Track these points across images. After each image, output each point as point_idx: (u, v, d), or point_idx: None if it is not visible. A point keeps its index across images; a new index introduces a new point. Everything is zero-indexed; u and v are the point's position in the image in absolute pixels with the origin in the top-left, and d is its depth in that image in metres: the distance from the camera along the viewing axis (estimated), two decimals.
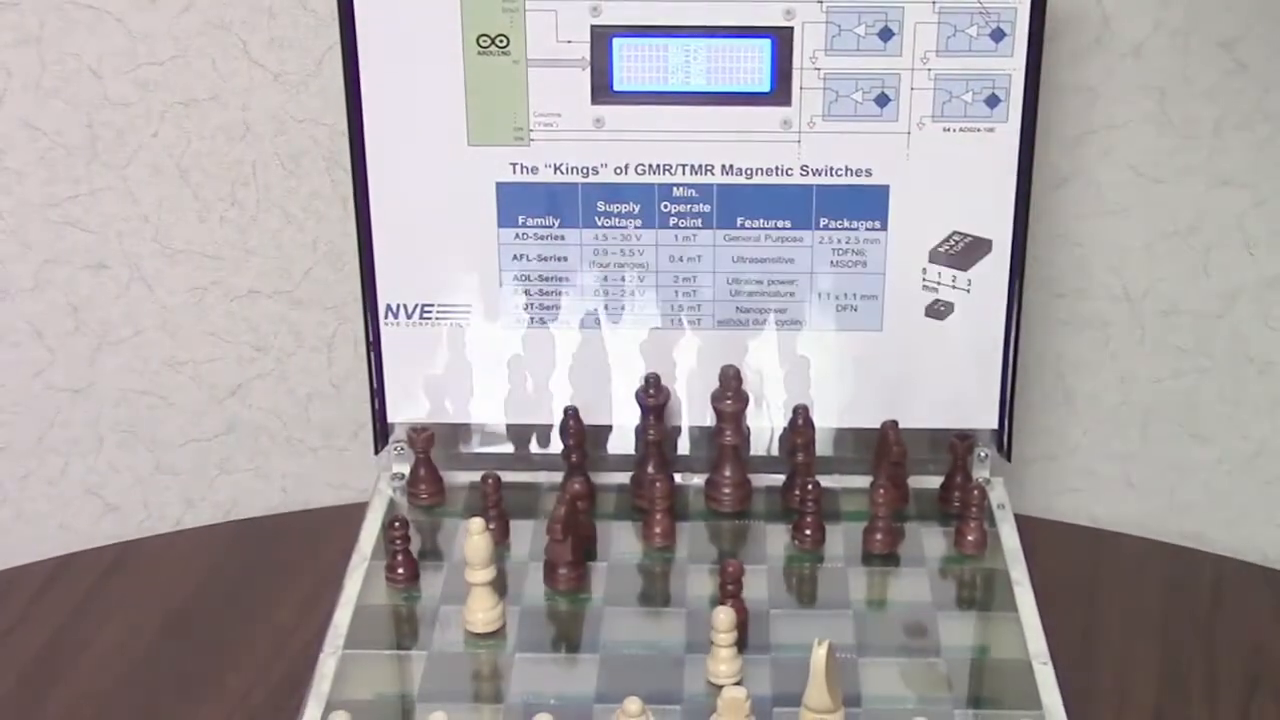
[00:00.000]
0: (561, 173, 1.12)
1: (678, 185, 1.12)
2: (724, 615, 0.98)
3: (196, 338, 1.31)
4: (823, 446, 1.18)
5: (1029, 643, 1.03)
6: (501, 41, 1.09)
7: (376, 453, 1.20)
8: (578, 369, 1.18)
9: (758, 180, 1.12)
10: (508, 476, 1.16)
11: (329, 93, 1.23)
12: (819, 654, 0.93)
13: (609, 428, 1.19)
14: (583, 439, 1.17)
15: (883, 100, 1.09)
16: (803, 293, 1.15)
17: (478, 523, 1.02)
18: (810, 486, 1.12)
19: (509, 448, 1.21)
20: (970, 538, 1.12)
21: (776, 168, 1.12)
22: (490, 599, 1.04)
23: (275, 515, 1.35)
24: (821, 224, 1.13)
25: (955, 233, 1.12)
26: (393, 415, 1.19)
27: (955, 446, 1.17)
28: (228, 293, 1.30)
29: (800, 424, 1.17)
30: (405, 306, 1.16)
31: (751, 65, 1.09)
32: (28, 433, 1.34)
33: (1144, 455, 1.33)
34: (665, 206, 1.13)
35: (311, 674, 1.01)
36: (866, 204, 1.12)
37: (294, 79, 1.24)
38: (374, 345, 1.17)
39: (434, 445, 1.18)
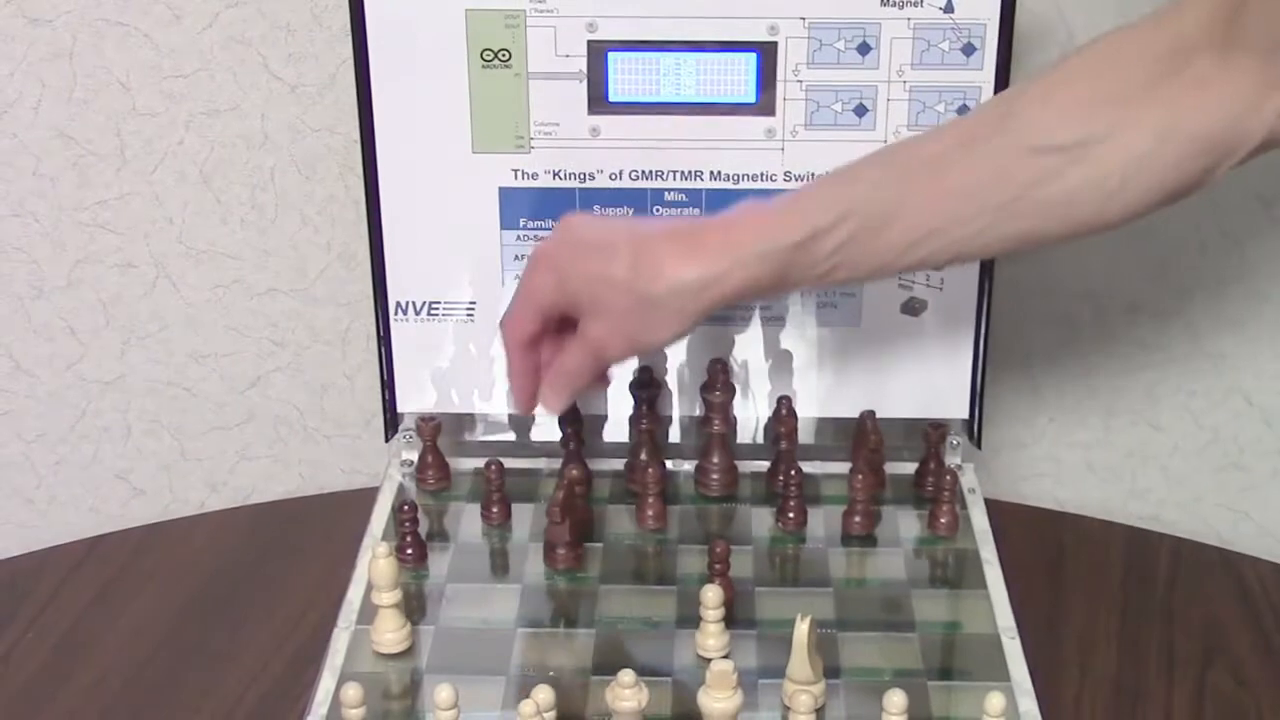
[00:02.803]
0: (560, 178, 1.12)
1: (669, 190, 1.12)
2: (712, 593, 0.98)
3: (218, 333, 1.31)
4: (805, 435, 1.18)
5: (998, 618, 1.03)
6: (504, 55, 1.08)
7: (387, 440, 1.20)
8: None
9: (744, 186, 1.12)
10: (510, 463, 1.16)
11: (342, 103, 1.23)
12: (801, 629, 0.92)
13: (604, 417, 1.19)
14: (580, 427, 1.17)
15: (861, 111, 1.09)
16: None
17: (384, 546, 1.00)
18: (793, 472, 1.12)
19: (511, 436, 1.21)
20: (943, 520, 1.12)
21: (761, 174, 1.11)
22: (397, 620, 1.00)
23: (292, 499, 1.35)
24: None
25: None
26: (402, 405, 1.18)
27: (929, 435, 1.17)
28: (248, 290, 1.30)
29: (784, 414, 1.17)
30: (414, 304, 1.16)
31: (738, 78, 1.09)
32: (61, 421, 1.34)
33: (1105, 443, 1.33)
34: (657, 210, 1.13)
35: (326, 648, 1.01)
36: None
37: (310, 91, 1.24)
38: (384, 340, 1.16)
39: (441, 433, 1.18)
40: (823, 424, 1.19)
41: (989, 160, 0.88)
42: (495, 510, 1.12)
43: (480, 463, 1.16)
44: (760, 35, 1.07)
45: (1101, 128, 0.86)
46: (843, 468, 1.15)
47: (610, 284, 0.94)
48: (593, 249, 0.96)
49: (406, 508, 1.08)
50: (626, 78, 1.09)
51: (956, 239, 0.90)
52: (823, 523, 1.13)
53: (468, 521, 1.14)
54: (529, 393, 1.03)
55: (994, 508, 1.15)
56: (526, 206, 1.13)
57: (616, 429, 1.19)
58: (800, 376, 1.18)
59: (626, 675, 0.89)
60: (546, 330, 1.00)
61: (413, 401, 1.18)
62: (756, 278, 0.92)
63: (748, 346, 1.17)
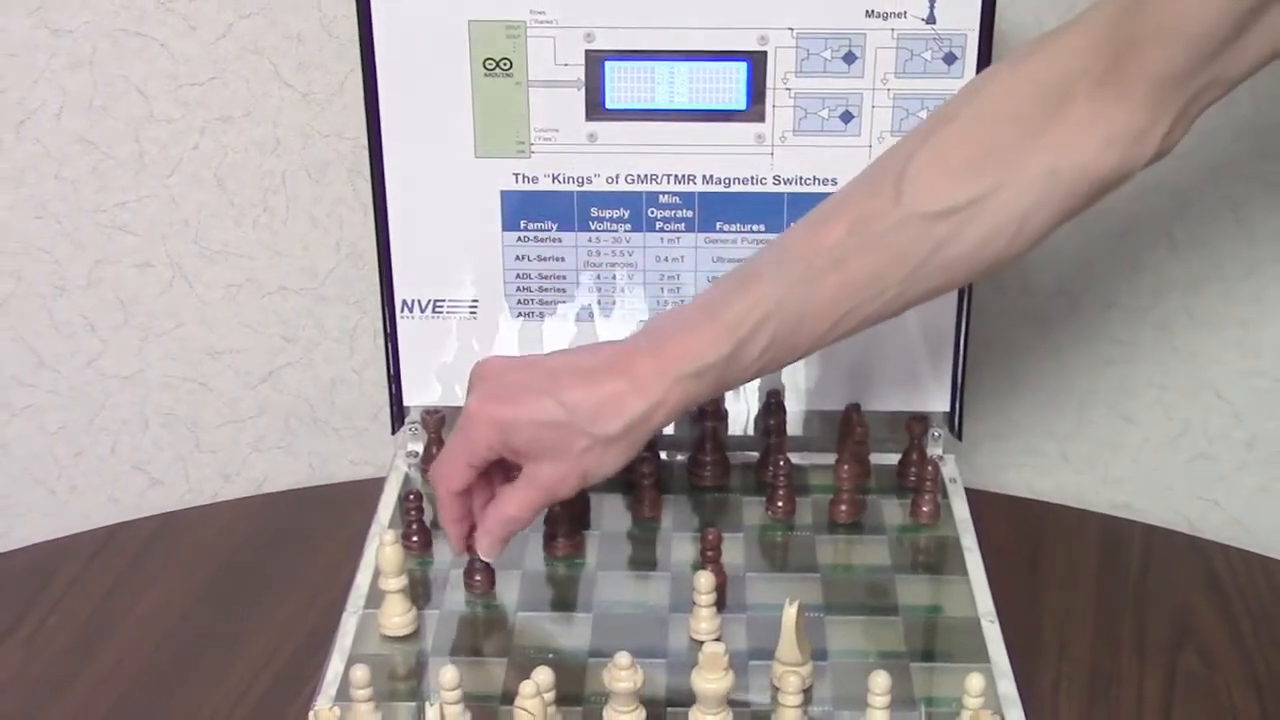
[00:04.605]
0: (559, 182, 1.12)
1: (663, 193, 1.12)
2: (704, 578, 0.98)
3: (232, 329, 1.31)
4: (793, 427, 1.18)
5: (978, 602, 1.03)
6: (505, 64, 1.08)
7: (393, 433, 1.20)
8: None
9: (735, 189, 1.12)
10: None
11: (351, 110, 1.23)
12: (790, 613, 0.92)
13: None
14: None
15: (847, 117, 1.09)
16: None
17: (391, 534, 1.00)
18: (782, 463, 1.12)
19: None
20: (925, 508, 1.12)
21: (751, 177, 1.11)
22: (403, 604, 1.01)
23: (302, 489, 1.35)
24: None
25: None
26: (408, 399, 1.18)
27: (912, 427, 1.17)
28: (260, 289, 1.30)
29: (773, 407, 1.17)
30: (419, 302, 1.15)
31: (729, 85, 1.08)
32: (81, 415, 1.33)
33: (1080, 435, 1.32)
34: (652, 212, 1.13)
35: (335, 631, 1.01)
36: None
37: (320, 98, 1.23)
38: (391, 336, 1.16)
39: (445, 426, 1.18)
40: (810, 416, 1.19)
41: (887, 239, 0.88)
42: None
43: None
44: (751, 45, 1.07)
45: (991, 183, 0.86)
46: (829, 459, 1.15)
47: (562, 429, 0.93)
48: (533, 397, 0.94)
49: (412, 497, 1.08)
50: (623, 85, 1.09)
51: (871, 312, 0.91)
52: (810, 511, 1.13)
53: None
54: (464, 535, 1.01)
55: (974, 497, 1.15)
56: (527, 209, 1.13)
57: None
58: (789, 371, 1.18)
59: (623, 657, 0.89)
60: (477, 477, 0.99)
61: (418, 395, 1.18)
62: (695, 393, 0.93)
63: None
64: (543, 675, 0.89)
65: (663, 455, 1.18)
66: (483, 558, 1.01)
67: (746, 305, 0.91)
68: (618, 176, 1.12)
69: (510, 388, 0.95)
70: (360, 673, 0.91)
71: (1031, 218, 0.87)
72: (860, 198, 0.91)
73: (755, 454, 1.19)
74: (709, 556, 1.02)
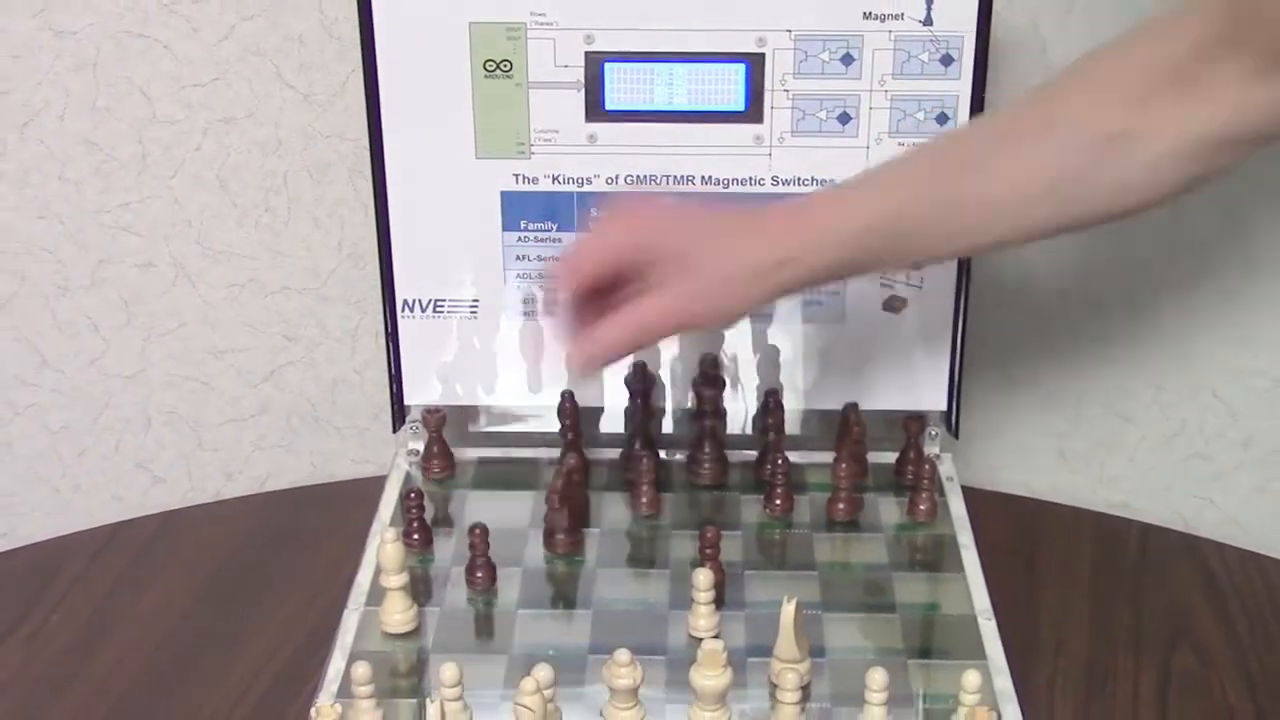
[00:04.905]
0: (559, 182, 1.12)
1: (662, 194, 1.12)
2: (703, 576, 0.98)
3: (235, 329, 1.31)
4: (791, 426, 1.18)
5: (974, 600, 1.03)
6: (506, 66, 1.08)
7: (394, 431, 1.20)
8: None
9: (733, 189, 1.12)
10: (511, 453, 1.17)
11: (352, 111, 1.23)
12: (788, 610, 0.93)
13: (601, 409, 1.19)
14: (578, 419, 1.17)
15: (844, 118, 1.09)
16: None
17: (392, 531, 1.01)
18: (780, 461, 1.12)
19: (512, 427, 1.21)
20: (922, 507, 1.12)
21: (750, 178, 1.11)
22: (404, 601, 1.01)
23: (304, 487, 1.35)
24: None
25: None
26: (409, 398, 1.19)
27: (909, 425, 1.17)
28: (262, 289, 1.30)
29: (771, 406, 1.17)
30: (420, 301, 1.16)
31: (728, 87, 1.09)
32: (85, 414, 1.34)
33: (1077, 433, 1.33)
34: None
35: (336, 628, 1.01)
36: None
37: (321, 99, 1.24)
38: (392, 336, 1.16)
39: (445, 425, 1.18)
40: (808, 415, 1.19)
41: (1043, 155, 0.87)
42: (480, 575, 1.08)
43: (484, 453, 1.18)
44: (749, 47, 1.07)
45: (1136, 125, 0.84)
46: (827, 457, 1.15)
47: (685, 260, 0.90)
48: (668, 217, 0.93)
49: (413, 495, 1.08)
50: (622, 87, 1.09)
51: (1003, 231, 0.89)
52: (808, 509, 1.13)
53: (471, 508, 1.14)
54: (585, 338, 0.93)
55: (971, 495, 1.15)
56: (527, 209, 1.13)
57: (613, 420, 1.19)
58: (787, 371, 1.18)
59: (622, 654, 0.89)
60: (599, 286, 0.92)
61: (419, 394, 1.18)
62: (832, 261, 0.90)
63: (737, 342, 1.17)
64: (543, 672, 0.89)
65: (662, 453, 1.18)
66: (595, 358, 0.92)
67: (898, 182, 0.90)
68: (617, 177, 1.12)
69: (649, 203, 0.96)
70: (361, 670, 0.91)
71: (1163, 170, 0.86)
72: (1019, 114, 0.90)
73: (754, 452, 1.19)
74: (708, 554, 1.03)
